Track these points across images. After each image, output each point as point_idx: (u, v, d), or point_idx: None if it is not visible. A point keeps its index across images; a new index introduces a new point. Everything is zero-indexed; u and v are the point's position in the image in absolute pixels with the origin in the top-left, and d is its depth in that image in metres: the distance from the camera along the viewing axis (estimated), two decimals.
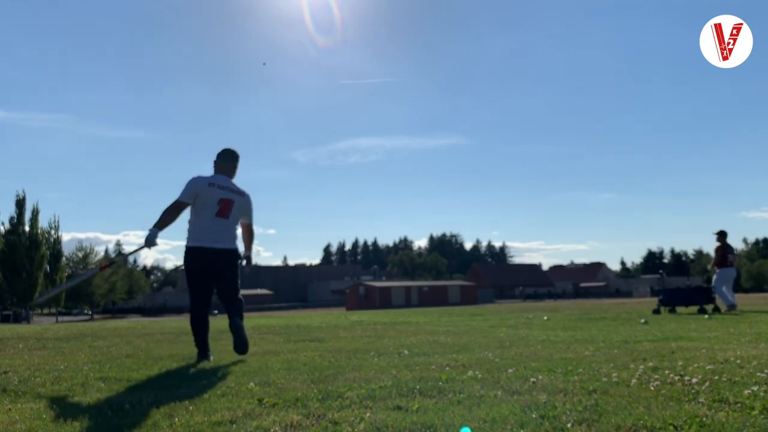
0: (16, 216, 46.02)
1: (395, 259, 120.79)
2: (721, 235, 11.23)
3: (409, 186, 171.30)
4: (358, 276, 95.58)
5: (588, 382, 2.85)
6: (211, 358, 4.37)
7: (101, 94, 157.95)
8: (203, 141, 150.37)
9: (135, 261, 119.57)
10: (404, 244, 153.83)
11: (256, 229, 4.97)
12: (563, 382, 2.88)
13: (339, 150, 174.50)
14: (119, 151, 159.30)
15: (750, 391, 2.52)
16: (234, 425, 2.17)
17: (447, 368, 3.51)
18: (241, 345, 4.32)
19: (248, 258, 4.83)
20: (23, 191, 48.78)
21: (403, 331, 7.19)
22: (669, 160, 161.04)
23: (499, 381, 2.97)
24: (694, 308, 10.46)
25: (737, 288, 33.99)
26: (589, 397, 2.52)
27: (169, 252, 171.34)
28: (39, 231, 46.64)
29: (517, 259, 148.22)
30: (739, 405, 2.30)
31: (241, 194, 4.57)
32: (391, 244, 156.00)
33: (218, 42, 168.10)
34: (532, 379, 2.97)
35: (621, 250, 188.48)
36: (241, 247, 4.66)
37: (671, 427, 1.99)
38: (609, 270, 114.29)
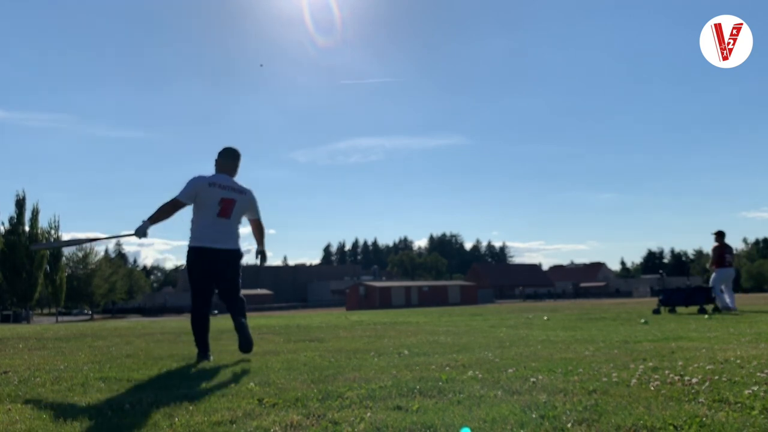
0: (16, 216, 46.04)
1: (395, 259, 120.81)
2: (719, 235, 11.23)
3: (409, 186, 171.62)
4: (358, 276, 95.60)
5: (588, 382, 2.85)
6: (211, 358, 4.38)
7: (101, 94, 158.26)
8: (203, 141, 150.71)
9: (135, 261, 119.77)
10: (404, 244, 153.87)
11: None
12: (563, 382, 2.88)
13: (339, 150, 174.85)
14: (119, 151, 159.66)
15: (750, 391, 2.52)
16: (234, 425, 2.17)
17: (447, 368, 3.51)
18: (246, 344, 4.34)
19: (262, 252, 4.86)
20: (23, 191, 48.87)
21: (403, 331, 7.19)
22: (669, 160, 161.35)
23: (499, 381, 2.97)
24: (694, 308, 10.45)
25: (737, 288, 34.02)
26: (589, 397, 2.52)
27: (169, 252, 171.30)
28: (39, 231, 46.59)
29: (517, 259, 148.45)
30: (739, 405, 2.30)
31: (243, 192, 4.56)
32: (391, 244, 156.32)
33: (218, 42, 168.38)
34: (532, 379, 2.97)
35: (621, 250, 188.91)
36: (244, 246, 4.67)
37: (671, 427, 2.00)
38: (609, 270, 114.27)
